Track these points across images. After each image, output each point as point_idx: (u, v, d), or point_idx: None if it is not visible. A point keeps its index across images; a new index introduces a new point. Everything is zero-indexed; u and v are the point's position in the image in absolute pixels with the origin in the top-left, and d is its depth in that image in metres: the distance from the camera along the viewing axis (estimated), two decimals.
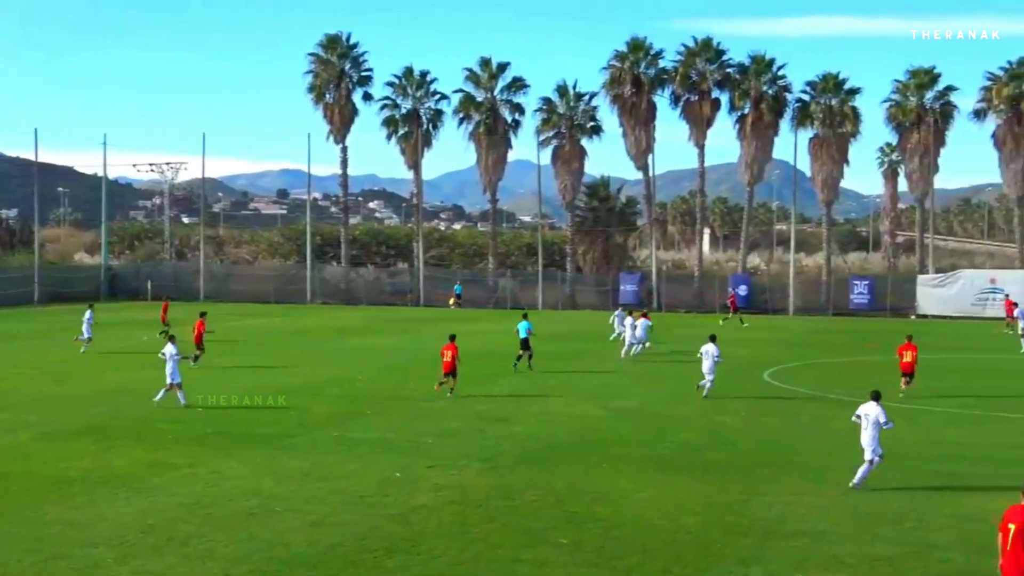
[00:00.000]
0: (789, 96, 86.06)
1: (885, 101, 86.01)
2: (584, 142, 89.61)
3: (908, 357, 35.37)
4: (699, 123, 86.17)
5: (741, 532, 18.34)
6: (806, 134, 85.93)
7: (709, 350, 34.39)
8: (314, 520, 18.92)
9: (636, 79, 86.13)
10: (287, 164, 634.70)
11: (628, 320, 48.21)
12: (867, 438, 21.89)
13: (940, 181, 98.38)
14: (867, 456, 21.78)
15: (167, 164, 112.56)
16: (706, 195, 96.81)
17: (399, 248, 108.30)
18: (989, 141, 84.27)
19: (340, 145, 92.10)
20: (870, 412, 21.95)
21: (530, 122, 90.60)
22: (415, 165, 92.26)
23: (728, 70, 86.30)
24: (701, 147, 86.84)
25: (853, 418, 22.55)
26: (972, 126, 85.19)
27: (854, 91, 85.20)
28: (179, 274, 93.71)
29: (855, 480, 21.73)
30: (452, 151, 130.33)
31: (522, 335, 42.24)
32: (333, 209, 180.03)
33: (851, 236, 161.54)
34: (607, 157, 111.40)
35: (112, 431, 27.62)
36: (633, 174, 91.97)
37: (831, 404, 33.29)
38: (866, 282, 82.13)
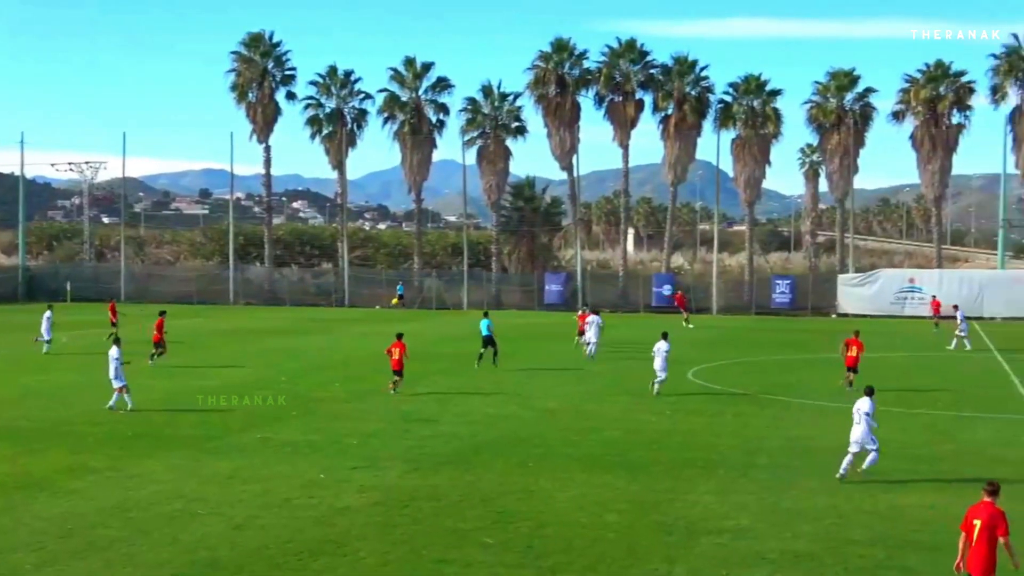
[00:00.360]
0: (712, 97, 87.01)
1: (806, 102, 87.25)
2: (509, 142, 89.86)
3: (853, 352, 36.47)
4: (623, 124, 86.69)
5: (665, 530, 18.47)
6: (728, 135, 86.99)
7: (661, 347, 34.82)
8: (238, 523, 18.76)
9: (560, 79, 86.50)
10: (210, 164, 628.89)
11: (595, 318, 47.60)
12: (858, 432, 22.40)
13: (860, 181, 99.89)
14: (851, 448, 22.32)
15: (86, 163, 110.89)
16: (630, 195, 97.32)
17: (323, 248, 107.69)
18: (907, 142, 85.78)
19: (263, 144, 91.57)
20: (862, 407, 22.55)
21: (455, 122, 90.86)
22: (339, 165, 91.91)
23: (652, 71, 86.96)
24: (625, 147, 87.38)
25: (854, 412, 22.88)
26: (891, 127, 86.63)
27: (775, 92, 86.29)
28: (99, 275, 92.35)
29: (841, 471, 22.24)
30: (377, 151, 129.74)
31: (484, 332, 42.65)
32: (256, 209, 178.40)
33: (773, 236, 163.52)
34: (532, 157, 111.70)
35: (29, 434, 27.13)
36: (558, 174, 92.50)
37: (754, 402, 33.67)
38: (788, 281, 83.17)
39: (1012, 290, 74.50)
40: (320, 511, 19.65)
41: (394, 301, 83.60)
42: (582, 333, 52.32)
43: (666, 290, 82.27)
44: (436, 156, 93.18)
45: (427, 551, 17.19)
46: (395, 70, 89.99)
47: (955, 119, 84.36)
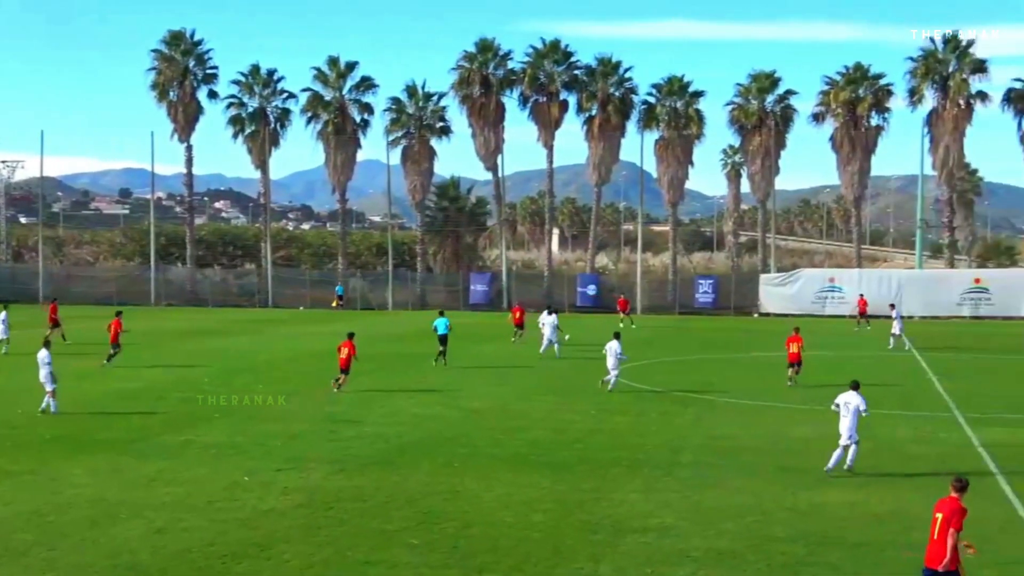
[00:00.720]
0: (635, 98, 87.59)
1: (728, 104, 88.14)
2: (434, 142, 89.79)
3: (794, 348, 37.47)
4: (547, 124, 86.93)
5: (591, 529, 18.54)
6: (652, 136, 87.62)
7: (613, 347, 35.40)
8: (160, 526, 18.53)
9: (485, 80, 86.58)
10: (130, 163, 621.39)
11: (551, 318, 48.19)
12: (845, 425, 22.93)
13: (781, 182, 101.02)
14: (842, 441, 22.84)
15: (3, 162, 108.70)
16: (555, 196, 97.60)
17: (246, 249, 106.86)
18: (828, 144, 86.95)
19: (185, 144, 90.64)
20: (850, 401, 23.06)
21: (379, 122, 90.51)
22: (262, 164, 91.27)
23: (576, 72, 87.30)
24: (550, 148, 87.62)
25: (832, 406, 23.63)
26: (811, 129, 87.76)
27: (698, 94, 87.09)
28: (16, 276, 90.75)
29: (829, 464, 22.77)
30: (300, 150, 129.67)
31: (441, 331, 43.29)
32: (178, 209, 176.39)
33: (696, 236, 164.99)
34: (457, 157, 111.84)
35: None
36: (483, 174, 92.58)
37: (678, 401, 33.93)
38: (710, 281, 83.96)
39: (929, 289, 75.79)
40: (244, 513, 19.48)
41: (334, 303, 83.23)
42: (520, 326, 52.78)
43: (590, 289, 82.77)
44: (360, 156, 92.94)
45: (352, 552, 17.11)
46: (318, 69, 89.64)
47: (874, 121, 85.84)
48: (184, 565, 16.49)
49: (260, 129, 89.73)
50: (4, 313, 47.61)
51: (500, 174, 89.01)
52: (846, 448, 22.89)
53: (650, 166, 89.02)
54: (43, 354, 30.19)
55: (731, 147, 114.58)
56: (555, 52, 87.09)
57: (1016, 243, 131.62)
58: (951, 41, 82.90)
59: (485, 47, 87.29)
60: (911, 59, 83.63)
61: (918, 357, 48.62)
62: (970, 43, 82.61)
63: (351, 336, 36.04)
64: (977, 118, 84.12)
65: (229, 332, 59.90)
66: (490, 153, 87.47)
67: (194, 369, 41.72)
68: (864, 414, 23.14)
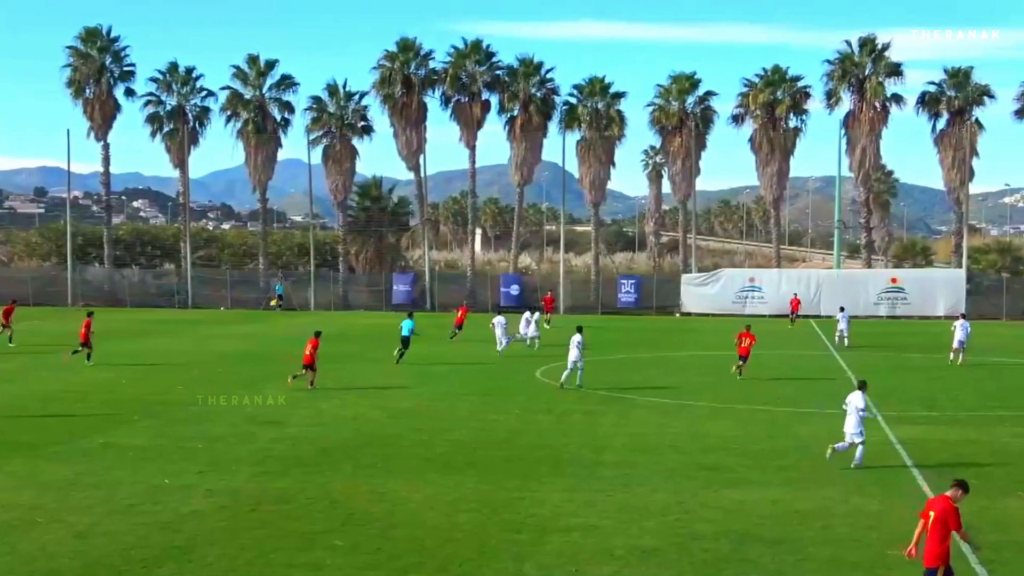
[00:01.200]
0: (557, 99, 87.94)
1: (648, 105, 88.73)
2: (355, 142, 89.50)
3: (745, 343, 39.81)
4: (470, 124, 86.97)
5: (516, 529, 18.60)
6: (574, 136, 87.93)
7: (575, 339, 37.13)
8: (80, 531, 18.28)
9: (406, 79, 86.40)
10: (45, 161, 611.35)
11: (535, 316, 51.76)
12: (850, 424, 24.05)
13: (702, 183, 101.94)
14: (848, 440, 24.00)
15: None
16: (477, 196, 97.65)
17: (165, 248, 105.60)
18: (747, 145, 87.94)
19: (101, 142, 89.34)
20: (852, 400, 24.24)
21: (300, 121, 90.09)
22: (181, 163, 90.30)
23: (497, 72, 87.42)
24: (472, 148, 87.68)
25: (843, 405, 24.72)
26: (731, 130, 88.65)
27: (619, 95, 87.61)
28: None
29: (855, 461, 23.87)
30: (220, 149, 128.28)
31: (404, 332, 44.19)
32: (95, 208, 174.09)
33: (618, 236, 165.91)
34: (379, 157, 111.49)
35: None
36: (405, 174, 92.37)
37: (601, 400, 34.11)
38: (633, 281, 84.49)
39: (847, 289, 76.83)
40: (165, 517, 19.27)
41: (273, 302, 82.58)
42: (460, 326, 53.26)
43: (513, 289, 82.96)
44: (281, 155, 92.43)
45: (275, 555, 17.01)
46: (238, 68, 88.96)
47: (792, 123, 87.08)
48: (105, 570, 16.29)
49: (179, 127, 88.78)
50: None
51: (422, 174, 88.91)
52: (852, 446, 23.89)
53: (572, 166, 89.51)
54: None
55: (652, 148, 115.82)
56: (477, 52, 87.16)
57: (931, 243, 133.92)
58: (867, 44, 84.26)
59: (406, 47, 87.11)
60: (828, 62, 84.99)
61: (836, 356, 49.35)
62: (885, 46, 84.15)
63: (318, 335, 36.72)
64: (893, 120, 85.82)
65: (148, 333, 59.16)
66: (412, 153, 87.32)
67: (115, 370, 41.16)
68: (862, 414, 24.04)
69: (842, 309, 58.38)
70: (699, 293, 79.73)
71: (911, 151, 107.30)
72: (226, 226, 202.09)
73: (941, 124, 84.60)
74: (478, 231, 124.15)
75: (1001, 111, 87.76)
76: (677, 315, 78.52)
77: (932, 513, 14.30)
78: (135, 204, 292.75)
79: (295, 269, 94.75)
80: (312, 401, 33.43)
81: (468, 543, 17.72)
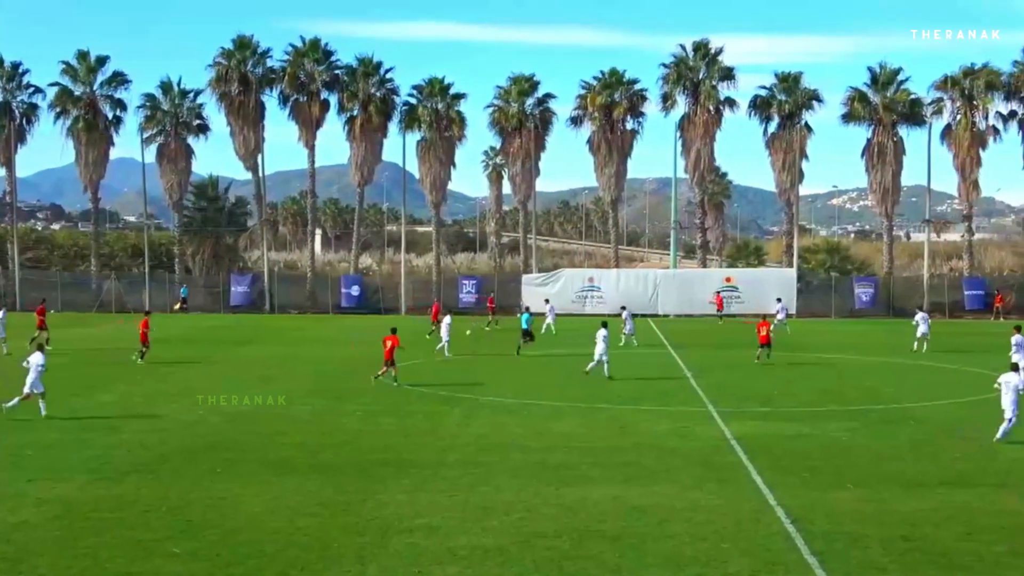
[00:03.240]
0: (397, 99, 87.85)
1: (488, 106, 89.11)
2: (191, 140, 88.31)
3: (764, 332, 44.60)
4: (308, 124, 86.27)
5: (358, 531, 18.49)
6: (414, 137, 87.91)
7: (602, 333, 39.76)
8: None
9: (243, 77, 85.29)
10: None
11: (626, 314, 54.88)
12: (1007, 401, 26.24)
13: (541, 184, 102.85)
14: (1007, 415, 26.14)
15: None
16: (317, 196, 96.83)
17: None
18: (585, 147, 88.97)
19: None
20: (1010, 380, 26.37)
21: (133, 119, 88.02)
22: (8, 162, 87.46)
23: (336, 72, 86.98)
24: (311, 148, 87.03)
25: (995, 385, 27.25)
26: (570, 132, 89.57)
27: (459, 96, 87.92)
28: None
29: (999, 435, 26.20)
30: (49, 148, 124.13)
31: (523, 325, 49.83)
32: None
33: (459, 237, 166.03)
34: (216, 156, 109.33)
35: None
36: (243, 174, 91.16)
37: (442, 401, 34.15)
38: (474, 281, 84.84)
39: (684, 288, 78.46)
40: None
41: (176, 306, 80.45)
42: (436, 323, 53.68)
43: (354, 290, 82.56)
44: (114, 154, 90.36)
45: (111, 564, 16.58)
46: (67, 64, 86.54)
47: (629, 125, 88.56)
48: None
49: (5, 124, 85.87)
50: (2, 312, 48.49)
51: (260, 174, 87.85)
52: (1010, 421, 26.08)
53: (413, 167, 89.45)
54: (38, 357, 29.96)
55: (492, 149, 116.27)
56: (315, 51, 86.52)
57: (763, 244, 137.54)
58: (700, 49, 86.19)
59: (243, 44, 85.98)
60: (664, 65, 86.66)
61: (674, 354, 50.30)
62: (719, 51, 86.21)
63: (394, 331, 37.84)
64: (726, 123, 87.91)
65: None
66: (250, 152, 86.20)
67: None
68: (1022, 390, 26.18)
69: (779, 300, 61.60)
70: (540, 292, 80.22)
71: (744, 154, 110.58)
72: (56, 227, 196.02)
73: (772, 127, 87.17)
74: (318, 232, 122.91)
75: (829, 115, 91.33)
76: (518, 315, 78.94)
77: None
78: None
79: (129, 271, 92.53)
80: (150, 405, 32.71)
81: (310, 547, 17.54)
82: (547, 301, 63.93)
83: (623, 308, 58.89)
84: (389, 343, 37.16)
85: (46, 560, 16.73)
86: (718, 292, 73.85)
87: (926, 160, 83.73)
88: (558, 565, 16.73)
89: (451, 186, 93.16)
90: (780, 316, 57.58)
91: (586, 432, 28.42)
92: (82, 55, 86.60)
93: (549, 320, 61.08)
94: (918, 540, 18.05)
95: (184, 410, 31.95)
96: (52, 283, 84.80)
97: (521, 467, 23.81)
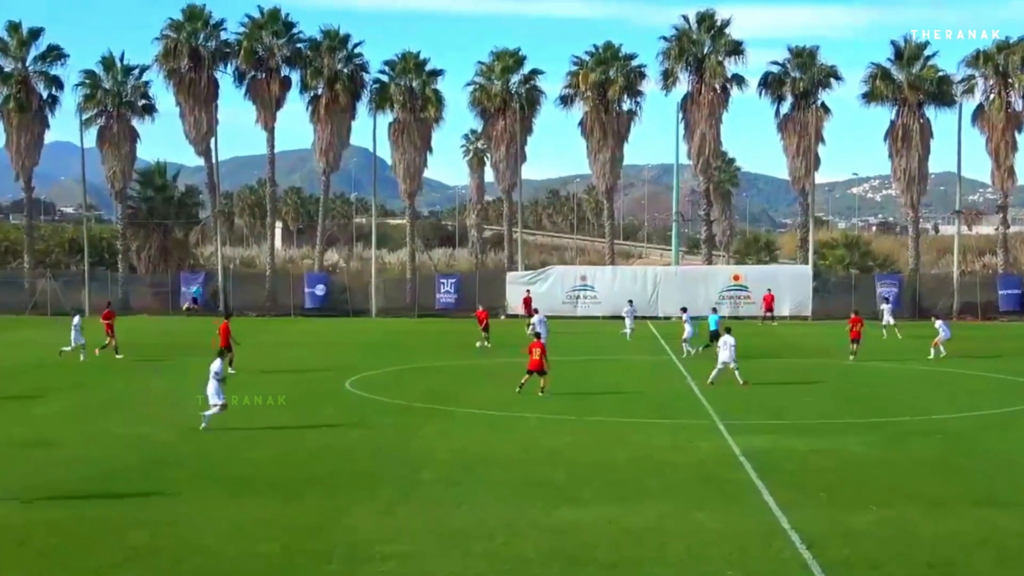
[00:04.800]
0: (366, 76, 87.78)
1: (469, 84, 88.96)
2: (136, 123, 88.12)
3: (857, 328, 49.22)
4: (267, 103, 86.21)
5: (324, 559, 18.51)
6: (386, 119, 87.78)
7: (730, 340, 40.84)
8: None
9: (194, 52, 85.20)
10: None
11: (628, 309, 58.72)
12: None
13: (528, 171, 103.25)
14: None
15: None
16: (277, 184, 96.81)
17: None
18: (577, 129, 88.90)
19: None
20: None
21: (71, 99, 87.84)
22: None
23: (299, 46, 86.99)
24: (270, 130, 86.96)
25: None
26: (560, 113, 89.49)
27: (436, 73, 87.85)
28: None
29: None
30: None
31: (712, 327, 50.72)
32: None
33: (436, 230, 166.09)
34: (164, 140, 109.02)
35: None
36: (194, 159, 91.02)
37: (417, 413, 34.20)
38: (453, 280, 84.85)
39: (687, 288, 78.33)
40: None
41: (186, 306, 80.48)
42: (486, 329, 55.83)
43: (319, 290, 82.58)
44: (49, 137, 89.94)
45: None
46: None
47: (626, 105, 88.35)
48: None
49: None
50: (77, 318, 49.16)
51: (214, 159, 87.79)
52: None
53: (384, 152, 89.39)
54: (216, 364, 30.99)
55: (473, 132, 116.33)
56: (275, 23, 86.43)
57: (775, 238, 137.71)
58: (705, 20, 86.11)
59: (194, 15, 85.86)
60: (664, 39, 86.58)
61: (675, 360, 50.45)
62: (725, 23, 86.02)
63: (538, 336, 39.22)
64: (734, 104, 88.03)
65: None
66: (202, 136, 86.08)
67: None
68: None
69: (630, 302, 61.52)
70: (529, 292, 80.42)
71: (754, 138, 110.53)
72: None
73: (785, 108, 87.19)
74: (278, 225, 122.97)
75: (848, 94, 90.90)
76: (503, 317, 79.01)
77: None
78: None
79: (66, 268, 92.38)
80: (91, 419, 32.74)
81: (271, 575, 17.62)
82: (630, 302, 64.80)
83: (630, 302, 59.66)
84: (537, 351, 37.11)
85: None
86: (769, 291, 74.40)
87: (956, 144, 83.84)
88: None
89: (427, 174, 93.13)
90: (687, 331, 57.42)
91: (577, 446, 28.50)
92: (13, 27, 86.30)
93: (629, 324, 61.76)
94: (944, 567, 18.20)
95: (130, 423, 31.95)
96: None
97: (504, 485, 23.89)
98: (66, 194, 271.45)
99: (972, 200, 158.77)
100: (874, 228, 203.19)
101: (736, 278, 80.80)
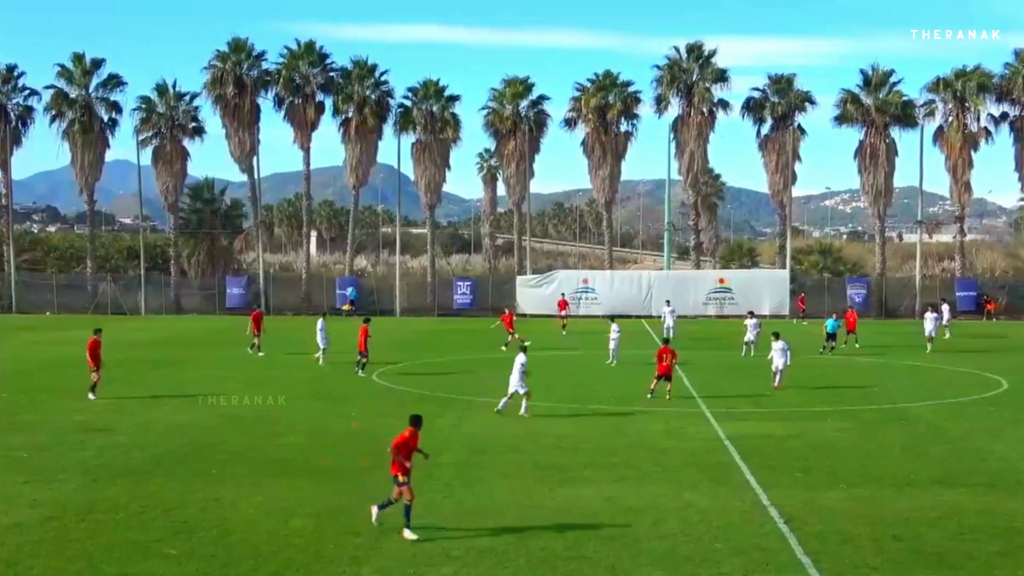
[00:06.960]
0: (391, 101, 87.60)
1: (483, 108, 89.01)
2: (186, 143, 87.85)
3: (666, 360, 41.68)
4: (303, 126, 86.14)
5: (353, 532, 18.46)
6: (409, 139, 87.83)
7: (780, 345, 38.61)
8: None
9: (239, 80, 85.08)
10: None
11: (751, 322, 50.58)
12: None
13: (536, 186, 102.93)
14: None
15: None
16: (312, 198, 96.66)
17: None
18: (580, 148, 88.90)
19: None
20: None
21: (129, 121, 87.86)
22: (3, 164, 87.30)
23: (331, 74, 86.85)
24: (306, 150, 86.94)
25: None
26: (564, 133, 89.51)
27: (454, 98, 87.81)
28: None
29: None
30: (44, 150, 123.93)
31: (829, 329, 50.75)
32: None
33: (454, 238, 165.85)
34: (211, 158, 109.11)
35: None
36: (238, 176, 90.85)
37: (437, 402, 34.08)
38: (468, 283, 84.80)
39: (678, 289, 78.29)
40: None
41: (345, 307, 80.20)
42: (512, 331, 54.18)
43: (350, 292, 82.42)
44: (109, 156, 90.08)
45: (106, 565, 16.56)
46: (63, 66, 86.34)
47: (623, 127, 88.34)
48: None
49: (1, 127, 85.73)
50: (321, 321, 46.77)
51: (256, 176, 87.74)
52: None
53: (408, 169, 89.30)
54: (521, 357, 31.52)
55: (487, 151, 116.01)
56: (310, 54, 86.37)
57: (756, 245, 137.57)
58: (694, 51, 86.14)
59: (238, 47, 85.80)
60: (657, 67, 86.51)
61: None
62: (712, 53, 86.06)
63: (667, 342, 37.86)
64: (719, 125, 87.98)
65: None
66: (245, 154, 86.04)
67: None
68: None
69: (668, 303, 60.50)
70: (534, 294, 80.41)
71: (737, 155, 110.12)
72: (51, 229, 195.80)
73: (765, 129, 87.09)
74: (313, 233, 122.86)
75: (822, 117, 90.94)
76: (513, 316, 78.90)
77: None
78: None
79: (125, 273, 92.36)
80: (143, 408, 32.65)
81: (304, 548, 17.53)
82: (668, 303, 62.19)
83: (668, 302, 60.39)
84: (667, 357, 35.41)
85: (40, 562, 16.71)
86: (802, 295, 74.80)
87: (918, 162, 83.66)
88: (552, 565, 16.73)
89: (446, 188, 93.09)
90: (668, 322, 56.91)
91: (580, 433, 28.41)
92: (77, 57, 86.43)
93: (669, 323, 57.76)
94: (910, 539, 18.09)
95: (177, 412, 31.91)
96: (48, 285, 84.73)
97: (514, 468, 23.81)
98: (124, 207, 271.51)
99: (933, 211, 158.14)
100: (845, 236, 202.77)
101: (721, 281, 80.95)
